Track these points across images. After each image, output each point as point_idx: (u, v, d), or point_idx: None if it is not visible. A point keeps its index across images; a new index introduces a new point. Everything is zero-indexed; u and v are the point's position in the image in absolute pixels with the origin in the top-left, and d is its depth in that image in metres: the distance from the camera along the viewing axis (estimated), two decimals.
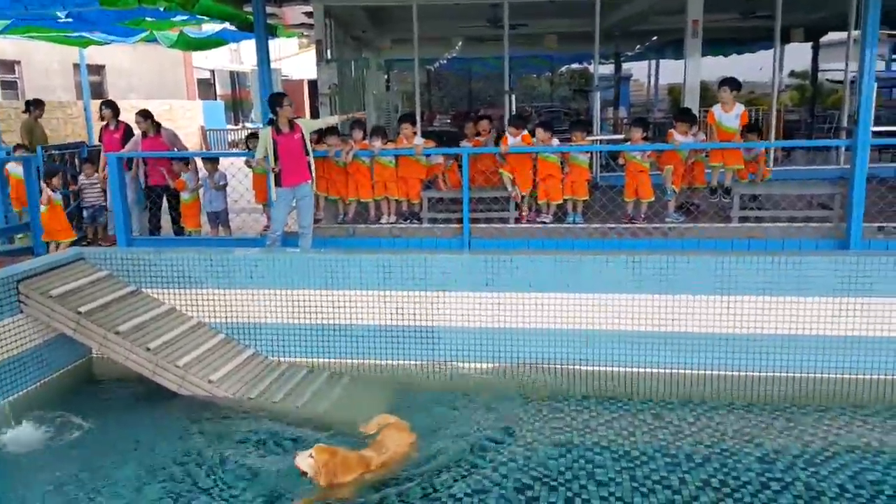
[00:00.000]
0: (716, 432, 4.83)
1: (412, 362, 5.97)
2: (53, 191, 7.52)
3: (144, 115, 8.23)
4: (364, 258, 5.95)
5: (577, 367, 5.78)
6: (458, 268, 5.84)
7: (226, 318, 6.12)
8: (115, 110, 8.48)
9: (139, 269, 6.16)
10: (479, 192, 7.44)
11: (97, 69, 22.66)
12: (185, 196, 7.97)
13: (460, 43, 16.30)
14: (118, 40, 14.03)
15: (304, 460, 4.01)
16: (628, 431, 4.85)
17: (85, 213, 8.06)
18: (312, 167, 6.86)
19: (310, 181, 6.86)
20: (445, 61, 20.15)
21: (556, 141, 7.41)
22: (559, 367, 5.79)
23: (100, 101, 8.51)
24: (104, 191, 8.34)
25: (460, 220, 7.10)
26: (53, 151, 8.31)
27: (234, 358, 5.76)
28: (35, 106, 10.23)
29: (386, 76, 18.97)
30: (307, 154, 6.82)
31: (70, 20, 11.69)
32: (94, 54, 19.25)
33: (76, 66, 19.57)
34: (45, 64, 21.14)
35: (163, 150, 8.35)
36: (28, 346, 5.56)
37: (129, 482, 4.29)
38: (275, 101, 6.77)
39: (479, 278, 5.82)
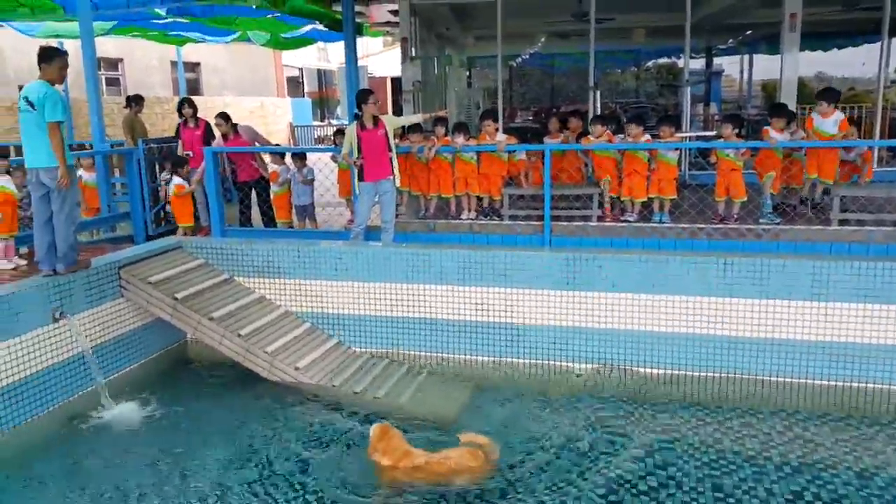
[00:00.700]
0: (809, 443, 4.61)
1: (491, 359, 5.98)
2: (183, 178, 7.94)
3: (224, 117, 8.53)
4: (444, 253, 5.99)
5: (660, 370, 5.63)
6: (539, 265, 5.80)
7: (311, 307, 6.29)
8: (195, 108, 8.75)
9: (232, 258, 6.41)
10: (561, 190, 7.35)
11: (193, 66, 23.72)
12: (275, 188, 8.24)
13: (544, 38, 16.15)
14: (213, 39, 14.65)
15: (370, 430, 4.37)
16: (714, 439, 4.70)
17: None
18: (395, 163, 6.94)
19: (391, 177, 6.93)
20: (528, 57, 19.99)
21: (646, 136, 7.22)
22: (642, 369, 5.67)
23: (182, 97, 8.78)
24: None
25: (541, 218, 7.03)
26: (153, 145, 8.74)
27: (318, 347, 5.92)
28: (135, 101, 10.79)
29: (468, 73, 19.01)
30: (390, 150, 6.90)
31: (169, 20, 12.31)
32: (190, 53, 20.17)
33: (174, 63, 20.59)
34: (146, 61, 22.30)
35: (244, 146, 8.68)
36: (128, 329, 5.90)
37: (218, 462, 4.48)
38: (361, 97, 6.89)
39: (561, 276, 5.75)
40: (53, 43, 13.60)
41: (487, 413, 5.14)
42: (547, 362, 5.88)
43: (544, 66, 22.68)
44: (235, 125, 8.70)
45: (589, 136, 7.40)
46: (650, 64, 23.95)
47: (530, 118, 16.76)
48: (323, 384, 5.47)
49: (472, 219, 7.55)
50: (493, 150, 7.35)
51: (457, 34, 14.47)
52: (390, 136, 6.92)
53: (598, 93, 10.47)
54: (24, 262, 6.10)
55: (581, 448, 4.55)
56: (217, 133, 8.62)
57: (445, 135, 7.71)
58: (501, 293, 5.89)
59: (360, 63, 10.77)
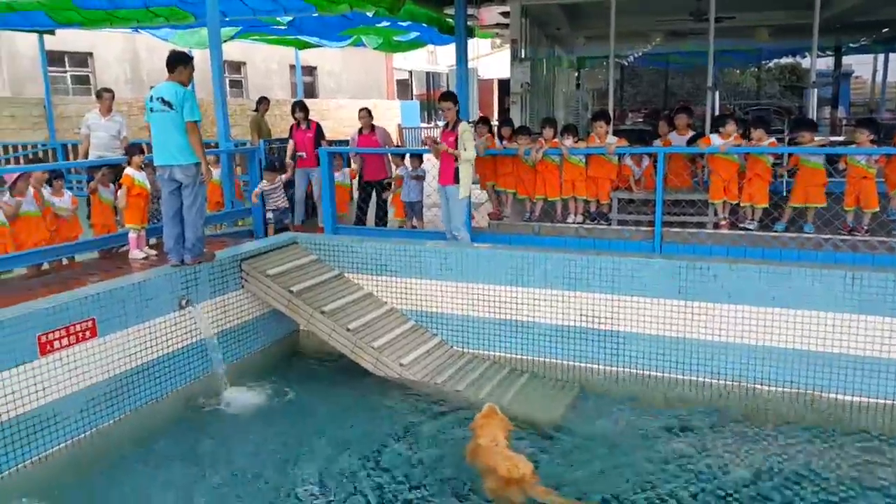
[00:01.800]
0: None
1: (595, 366, 5.87)
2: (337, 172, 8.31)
3: (368, 112, 8.91)
4: (550, 257, 5.93)
5: (776, 388, 5.34)
6: (649, 272, 5.63)
7: (416, 306, 6.40)
8: (306, 111, 9.00)
9: (343, 255, 6.64)
10: (675, 194, 7.11)
11: (310, 70, 24.72)
12: (395, 188, 8.53)
13: (658, 38, 15.67)
14: (330, 44, 15.20)
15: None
16: (835, 464, 4.40)
17: (271, 215, 8.26)
18: (460, 171, 6.81)
19: (451, 184, 6.87)
20: (640, 57, 19.46)
21: (770, 140, 6.83)
22: (756, 386, 5.39)
23: (294, 101, 9.03)
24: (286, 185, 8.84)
25: (652, 223, 6.83)
26: (274, 145, 9.19)
27: (422, 344, 6.02)
28: (261, 103, 11.38)
29: (576, 74, 18.74)
30: (455, 159, 6.80)
31: (288, 28, 12.89)
32: (307, 57, 20.98)
33: (292, 67, 21.51)
34: (266, 65, 23.44)
35: (376, 146, 8.94)
36: (246, 319, 6.23)
37: (324, 450, 4.64)
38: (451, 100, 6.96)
39: (672, 285, 5.57)
40: (183, 47, 14.57)
41: (590, 420, 5.05)
42: (652, 373, 5.71)
43: (657, 65, 22.00)
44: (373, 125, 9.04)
45: (708, 137, 7.10)
46: (772, 64, 22.72)
47: (640, 120, 16.31)
48: (426, 381, 5.56)
49: (578, 223, 7.43)
50: (603, 152, 7.21)
51: (567, 34, 14.30)
52: (460, 143, 6.79)
53: (717, 94, 10.03)
54: (154, 252, 6.56)
55: (689, 464, 4.38)
56: (352, 131, 8.92)
57: (553, 137, 7.63)
58: (607, 300, 5.77)
59: (470, 65, 10.84)
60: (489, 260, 6.10)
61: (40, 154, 12.47)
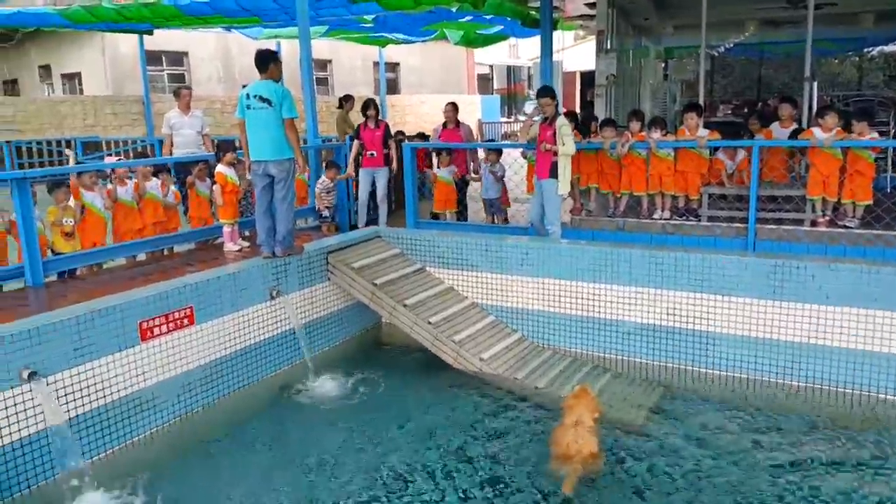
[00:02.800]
0: None
1: (681, 366, 5.71)
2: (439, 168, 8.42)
3: (454, 106, 8.92)
4: (635, 253, 5.81)
5: (876, 394, 5.04)
6: (741, 271, 5.42)
7: (496, 301, 6.40)
8: (377, 110, 8.94)
9: (425, 249, 6.71)
10: (769, 190, 6.80)
11: (392, 67, 25.05)
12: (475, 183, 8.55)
13: (752, 26, 14.99)
14: (413, 40, 15.36)
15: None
16: None
17: (327, 213, 8.12)
18: (559, 166, 6.72)
19: (547, 178, 6.78)
20: (731, 46, 18.67)
21: (874, 133, 6.44)
22: (854, 392, 5.11)
23: (367, 99, 9.01)
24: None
25: (744, 220, 6.56)
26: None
27: (503, 339, 6.02)
28: (346, 100, 11.63)
29: (664, 65, 18.19)
30: (554, 154, 6.72)
31: (373, 24, 13.12)
32: (390, 53, 21.28)
33: (375, 63, 21.88)
34: (351, 62, 23.91)
35: (460, 142, 8.98)
36: (332, 310, 6.39)
37: (405, 441, 4.73)
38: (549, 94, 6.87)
39: (765, 284, 5.34)
40: (272, 43, 15.06)
41: (676, 420, 4.92)
42: (742, 375, 5.50)
43: (750, 56, 21.06)
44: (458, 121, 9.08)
45: (811, 130, 6.75)
46: (875, 52, 21.34)
47: (730, 112, 15.68)
48: (506, 376, 5.55)
49: (665, 219, 7.22)
50: (693, 146, 6.97)
51: (655, 24, 13.90)
52: (559, 138, 6.71)
53: (815, 84, 9.52)
54: (247, 244, 6.82)
55: (779, 472, 4.20)
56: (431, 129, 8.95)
57: (640, 130, 7.44)
58: (695, 298, 5.59)
59: (554, 58, 10.72)
60: (572, 256, 6.03)
61: (140, 149, 13.19)
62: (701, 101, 9.75)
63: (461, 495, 4.07)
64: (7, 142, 15.39)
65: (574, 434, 4.12)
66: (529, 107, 30.19)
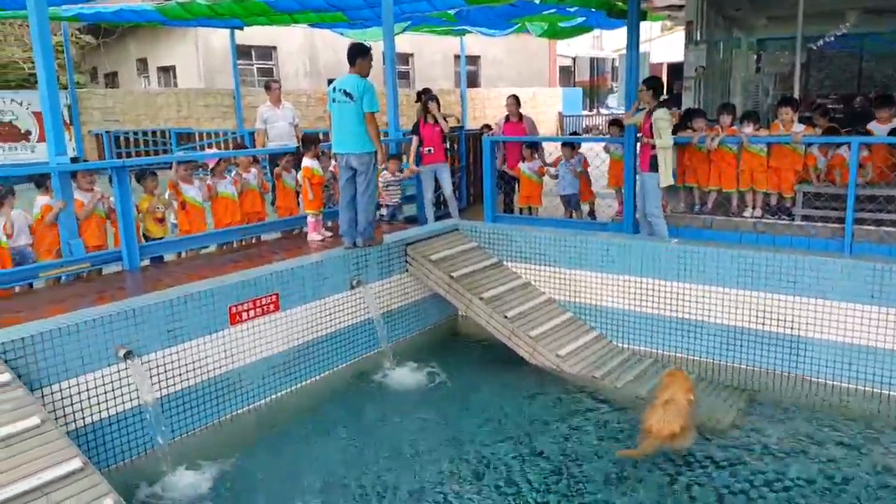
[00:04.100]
0: None
1: (769, 371, 5.48)
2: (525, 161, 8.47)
3: (516, 99, 8.86)
4: (723, 252, 5.60)
5: None
6: (837, 274, 5.14)
7: (574, 297, 6.31)
8: (439, 105, 8.77)
9: (502, 243, 6.69)
10: (869, 189, 6.43)
11: (473, 60, 25.05)
12: (535, 177, 8.45)
13: (853, 17, 14.15)
14: (495, 33, 15.31)
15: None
16: None
17: (385, 211, 8.13)
18: (658, 159, 6.58)
19: (646, 171, 6.65)
20: (830, 39, 17.68)
21: None
22: None
23: (430, 94, 8.93)
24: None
25: (841, 220, 6.23)
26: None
27: (580, 337, 5.94)
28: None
29: (756, 57, 17.42)
30: (652, 147, 6.59)
31: (456, 20, 13.14)
32: (471, 46, 21.28)
33: (456, 57, 21.95)
34: (431, 56, 24.07)
35: (523, 135, 8.91)
36: (410, 301, 6.47)
37: (479, 434, 4.72)
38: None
39: (863, 288, 5.05)
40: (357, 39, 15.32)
41: (762, 427, 4.72)
42: (835, 383, 5.23)
43: (850, 48, 19.89)
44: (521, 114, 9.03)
45: None
46: None
47: (829, 106, 14.87)
48: (583, 374, 5.47)
49: (756, 217, 6.94)
50: (788, 141, 6.66)
51: (748, 15, 13.34)
52: (655, 131, 6.56)
53: None
54: (329, 234, 6.99)
55: (875, 486, 3.97)
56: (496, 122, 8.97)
57: (731, 124, 7.17)
58: (785, 301, 5.35)
59: (641, 49, 10.46)
60: (655, 253, 5.87)
61: (238, 140, 13.69)
62: (796, 95, 9.31)
63: (536, 490, 4.05)
64: (107, 131, 16.33)
65: (663, 412, 4.20)
66: (613, 100, 29.62)
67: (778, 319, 5.39)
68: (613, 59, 31.96)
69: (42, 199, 5.84)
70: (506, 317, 5.82)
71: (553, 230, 6.66)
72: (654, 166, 6.56)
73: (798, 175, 6.85)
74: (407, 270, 6.39)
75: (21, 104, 15.28)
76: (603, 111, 27.17)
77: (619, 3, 10.92)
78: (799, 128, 6.77)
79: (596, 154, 8.26)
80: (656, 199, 6.69)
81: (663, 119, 6.51)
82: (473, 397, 5.32)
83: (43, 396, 3.92)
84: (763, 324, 5.45)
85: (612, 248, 6.08)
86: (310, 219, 6.87)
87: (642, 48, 8.87)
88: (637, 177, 6.92)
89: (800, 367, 5.35)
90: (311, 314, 5.50)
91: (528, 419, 4.92)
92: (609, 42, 29.96)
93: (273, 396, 5.24)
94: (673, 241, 6.07)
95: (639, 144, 7.05)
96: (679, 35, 11.92)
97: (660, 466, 4.22)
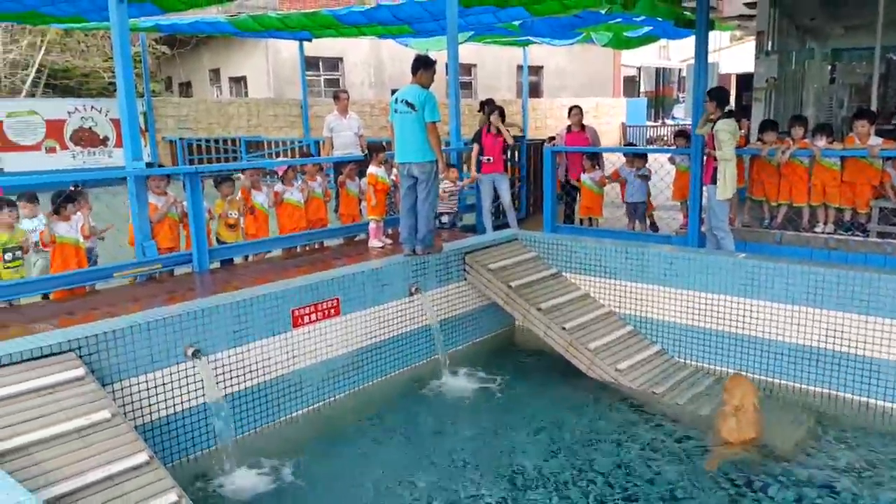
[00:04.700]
0: None
1: (838, 393, 5.25)
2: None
3: (579, 109, 8.83)
4: (792, 268, 5.40)
5: None
6: None
7: (635, 310, 6.20)
8: (504, 117, 8.68)
9: (561, 254, 6.64)
10: None
11: (536, 70, 25.00)
12: (596, 188, 8.36)
13: None
14: (559, 43, 15.25)
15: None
16: None
17: (445, 219, 8.04)
18: (719, 171, 6.41)
19: (709, 184, 6.51)
20: None
21: None
22: None
23: (494, 105, 8.89)
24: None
25: None
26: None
27: (640, 351, 5.83)
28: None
29: (830, 68, 16.79)
30: (714, 158, 6.45)
31: (519, 29, 13.16)
32: (534, 56, 21.25)
33: (519, 67, 21.94)
34: (494, 66, 24.13)
35: (585, 145, 8.83)
36: (467, 309, 6.49)
37: (534, 445, 4.69)
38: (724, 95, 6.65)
39: None
40: (422, 50, 15.50)
41: (830, 451, 4.53)
42: None
43: None
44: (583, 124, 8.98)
45: None
46: None
47: None
48: (643, 389, 5.37)
49: (828, 232, 6.69)
50: (864, 155, 6.40)
51: (823, 24, 12.89)
52: (717, 141, 6.41)
53: None
54: (389, 241, 7.09)
55: None
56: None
57: (803, 136, 6.94)
58: (859, 321, 5.12)
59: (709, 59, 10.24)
60: (721, 267, 5.72)
61: (305, 149, 14.07)
62: (873, 107, 8.94)
63: None
64: (180, 138, 16.99)
65: (735, 420, 4.22)
66: (679, 110, 29.03)
67: (849, 340, 5.17)
68: (680, 70, 31.35)
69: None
70: (564, 328, 5.77)
71: (614, 241, 6.57)
72: (716, 178, 6.43)
73: (874, 190, 6.56)
74: (465, 279, 6.42)
75: (100, 111, 16.06)
76: (668, 122, 26.66)
77: (687, 13, 10.73)
78: (876, 141, 6.49)
79: (661, 165, 8.11)
80: (722, 212, 6.52)
81: (725, 131, 6.37)
82: (529, 408, 5.28)
83: (113, 391, 4.09)
84: (833, 344, 5.24)
85: (677, 261, 5.96)
86: (371, 225, 6.98)
87: (711, 58, 8.70)
88: (703, 189, 6.77)
89: (871, 391, 5.11)
90: (371, 319, 5.58)
91: (583, 433, 4.86)
92: (676, 52, 29.41)
93: (332, 399, 5.34)
94: (740, 255, 5.89)
95: (681, 158, 6.92)
96: (749, 45, 11.63)
97: (721, 486, 4.10)
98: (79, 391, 3.73)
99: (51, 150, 15.48)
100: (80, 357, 3.94)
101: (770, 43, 10.31)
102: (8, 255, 5.44)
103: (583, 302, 6.31)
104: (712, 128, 6.46)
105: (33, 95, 19.96)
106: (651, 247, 6.25)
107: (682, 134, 8.07)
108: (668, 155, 8.27)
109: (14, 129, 14.98)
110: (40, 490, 3.07)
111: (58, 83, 21.87)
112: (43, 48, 19.89)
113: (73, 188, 6.04)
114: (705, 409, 5.05)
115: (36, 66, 20.04)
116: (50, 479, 3.20)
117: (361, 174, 7.31)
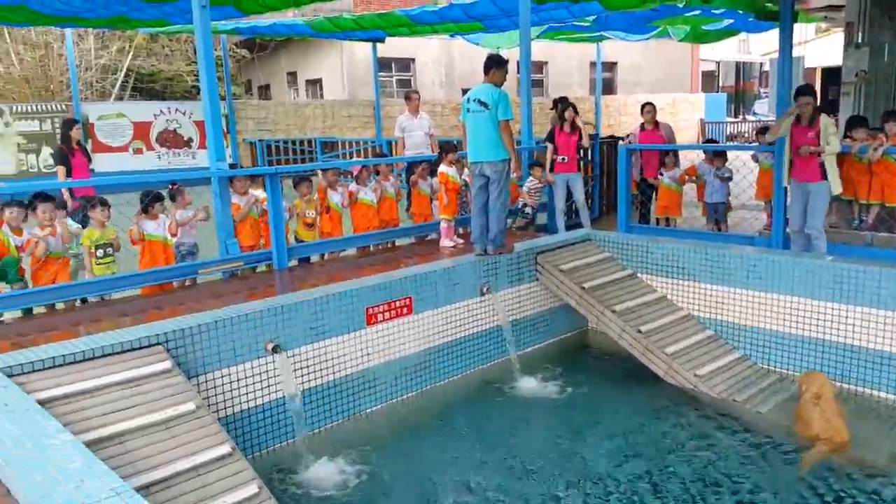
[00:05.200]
0: None
1: None
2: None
3: (653, 106, 8.59)
4: (885, 272, 5.11)
5: None
6: None
7: (715, 314, 6.00)
8: (577, 114, 8.52)
9: (636, 254, 6.49)
10: None
11: (609, 66, 24.54)
12: (674, 186, 8.12)
13: None
14: (633, 38, 14.92)
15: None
16: None
17: (528, 210, 8.12)
18: (827, 167, 6.12)
19: (816, 180, 6.20)
20: None
21: None
22: None
23: (567, 103, 8.71)
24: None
25: None
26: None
27: (721, 357, 5.63)
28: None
29: None
30: (817, 155, 6.15)
31: (592, 24, 12.94)
32: (608, 52, 20.87)
33: (592, 63, 21.58)
34: (566, 63, 23.82)
35: (660, 143, 8.60)
36: (539, 310, 6.43)
37: (608, 450, 4.59)
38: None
39: None
40: (492, 48, 15.47)
41: None
42: None
43: None
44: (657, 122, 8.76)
45: None
46: None
47: None
48: (723, 397, 5.19)
49: None
50: None
51: None
52: (823, 137, 6.14)
53: None
54: (461, 241, 7.09)
55: None
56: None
57: None
58: None
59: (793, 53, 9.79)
60: (808, 270, 5.46)
61: (378, 149, 14.27)
62: None
63: None
64: (260, 140, 17.52)
65: (821, 413, 4.17)
66: (761, 106, 27.95)
67: None
68: (762, 64, 30.16)
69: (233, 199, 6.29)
70: (640, 331, 5.64)
71: (694, 242, 6.37)
72: (824, 174, 6.14)
73: None
74: (537, 279, 6.36)
75: (184, 114, 16.73)
76: (749, 118, 25.71)
77: (770, 5, 10.29)
78: None
79: (743, 163, 7.80)
80: (824, 211, 6.25)
81: (832, 124, 6.13)
82: (603, 412, 5.19)
83: (198, 384, 4.26)
84: None
85: (761, 263, 5.73)
86: (443, 224, 7.01)
87: (795, 52, 8.32)
88: (795, 189, 6.43)
89: None
90: (442, 319, 5.61)
91: (659, 439, 4.74)
92: (757, 45, 28.29)
93: (404, 397, 5.39)
94: (828, 258, 5.61)
95: (764, 156, 6.63)
96: (836, 37, 11.07)
97: (807, 501, 3.92)
98: (166, 383, 3.90)
99: (137, 151, 16.23)
100: (168, 350, 4.11)
101: (860, 35, 9.75)
102: (100, 252, 5.73)
103: (660, 304, 6.15)
104: (809, 124, 6.18)
105: (121, 99, 20.99)
106: (733, 248, 6.03)
107: (765, 130, 7.74)
108: (751, 152, 7.95)
109: (104, 131, 15.79)
110: (130, 478, 3.22)
111: (144, 87, 22.93)
112: (131, 53, 20.88)
113: (171, 186, 6.33)
114: (790, 419, 4.83)
115: (124, 70, 21.05)
116: (138, 467, 3.36)
117: (433, 174, 7.35)
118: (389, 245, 7.40)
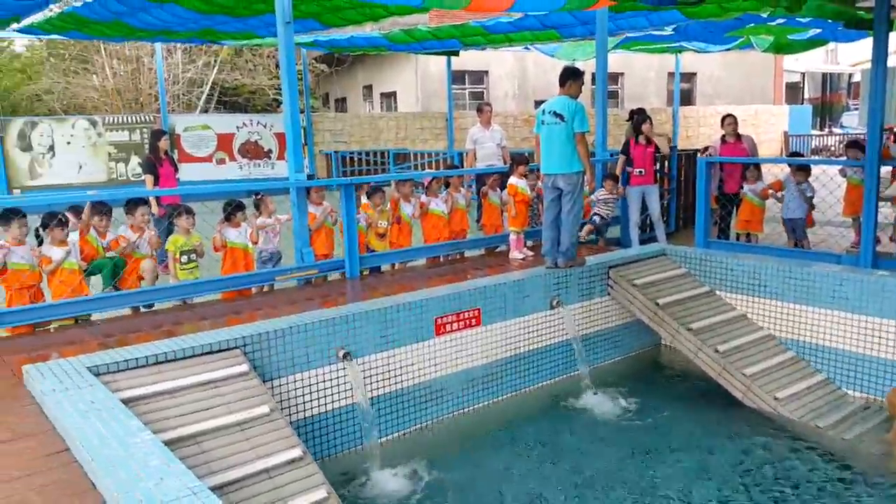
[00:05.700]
0: None
1: None
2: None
3: (734, 118, 8.34)
4: None
5: None
6: None
7: (798, 335, 5.74)
8: (652, 126, 8.38)
9: (714, 270, 6.29)
10: None
11: (688, 77, 23.97)
12: (757, 200, 7.82)
13: None
14: (714, 49, 14.53)
15: None
16: None
17: (597, 219, 8.01)
18: None
19: None
20: None
21: None
22: None
23: (641, 115, 8.51)
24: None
25: None
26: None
27: (802, 379, 5.38)
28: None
29: None
30: None
31: (672, 34, 12.66)
32: (686, 62, 20.39)
33: (670, 74, 21.14)
34: (643, 74, 23.42)
35: (742, 156, 8.32)
36: (610, 326, 6.31)
37: (681, 474, 4.45)
38: None
39: None
40: (567, 59, 15.37)
41: None
42: None
43: None
44: (739, 134, 8.49)
45: None
46: None
47: None
48: (804, 422, 4.95)
49: None
50: None
51: None
52: None
53: None
54: (531, 253, 7.05)
55: None
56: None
57: None
58: None
59: (890, 63, 9.26)
60: None
61: (449, 161, 14.39)
62: None
63: None
64: (335, 151, 17.94)
65: None
66: (849, 118, 26.67)
67: None
68: (850, 74, 28.79)
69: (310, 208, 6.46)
70: (717, 350, 5.45)
71: (777, 259, 6.12)
72: None
73: None
74: (609, 294, 6.25)
75: (265, 126, 17.32)
76: (836, 131, 24.56)
77: (862, 13, 9.82)
78: None
79: (831, 177, 7.45)
80: None
81: None
82: (676, 434, 5.03)
83: (272, 388, 4.38)
84: None
85: (847, 282, 5.45)
86: (512, 236, 6.99)
87: (890, 61, 7.89)
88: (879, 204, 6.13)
89: None
90: (511, 331, 5.58)
91: (735, 464, 4.55)
92: (845, 55, 27.05)
93: (471, 408, 5.39)
94: None
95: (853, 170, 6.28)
96: None
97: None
98: (242, 386, 4.02)
99: (220, 161, 16.90)
100: (245, 354, 4.25)
101: None
102: (184, 258, 5.99)
103: (739, 323, 5.93)
104: None
105: (206, 111, 21.93)
106: (818, 266, 5.77)
107: (854, 144, 7.38)
108: (839, 167, 7.60)
109: (189, 142, 16.51)
110: (205, 478, 3.33)
111: (228, 100, 23.89)
112: (216, 67, 21.82)
113: (256, 196, 6.57)
114: (877, 447, 4.57)
115: (209, 83, 22.01)
116: (213, 468, 3.47)
117: (503, 185, 7.35)
118: (459, 256, 7.43)
